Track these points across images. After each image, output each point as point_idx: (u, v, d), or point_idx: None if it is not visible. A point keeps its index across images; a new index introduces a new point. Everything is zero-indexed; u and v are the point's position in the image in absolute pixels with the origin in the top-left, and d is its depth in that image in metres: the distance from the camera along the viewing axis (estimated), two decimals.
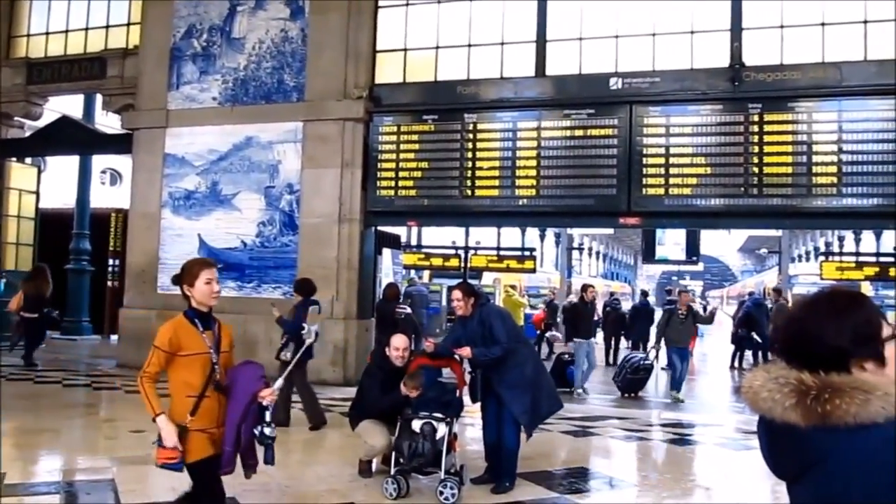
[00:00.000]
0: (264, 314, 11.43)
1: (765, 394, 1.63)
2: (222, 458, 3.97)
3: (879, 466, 1.50)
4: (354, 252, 12.35)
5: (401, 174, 12.23)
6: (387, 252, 17.47)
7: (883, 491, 1.50)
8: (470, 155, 11.90)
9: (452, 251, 21.00)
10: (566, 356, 13.17)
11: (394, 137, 12.32)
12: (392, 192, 12.28)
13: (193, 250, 12.94)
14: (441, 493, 5.86)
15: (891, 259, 20.68)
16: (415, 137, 12.23)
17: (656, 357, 13.23)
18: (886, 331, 1.67)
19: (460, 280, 9.95)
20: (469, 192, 11.90)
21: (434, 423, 6.03)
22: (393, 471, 6.04)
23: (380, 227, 13.16)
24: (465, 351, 6.25)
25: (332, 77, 12.45)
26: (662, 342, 12.58)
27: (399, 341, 6.56)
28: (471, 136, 11.93)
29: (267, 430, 4.04)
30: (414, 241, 23.79)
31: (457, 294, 6.43)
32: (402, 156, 12.23)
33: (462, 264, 18.97)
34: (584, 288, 14.02)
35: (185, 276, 4.06)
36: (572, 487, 6.60)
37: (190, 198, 13.22)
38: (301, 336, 8.09)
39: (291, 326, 8.56)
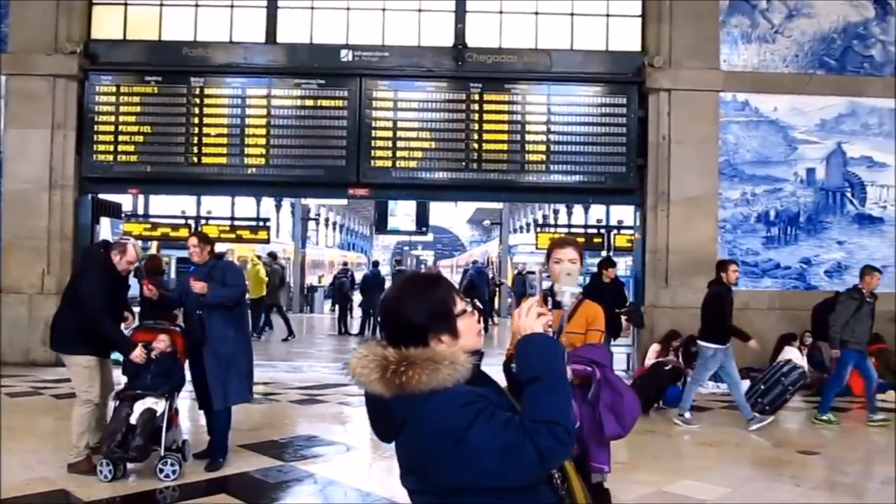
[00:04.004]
0: None
1: (359, 369, 1.86)
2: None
3: (441, 425, 1.76)
4: (68, 221, 11.43)
5: (121, 138, 11.45)
6: (105, 221, 16.28)
7: (442, 448, 1.76)
8: (196, 121, 11.44)
9: (182, 220, 20.16)
10: None
11: (113, 98, 11.49)
12: (111, 158, 11.47)
13: None
14: (161, 470, 5.67)
15: (595, 231, 22.94)
16: (136, 99, 11.50)
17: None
18: (460, 307, 1.94)
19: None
20: (195, 159, 11.45)
21: (153, 406, 5.80)
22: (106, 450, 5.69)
23: (98, 195, 12.24)
24: (200, 285, 6.06)
25: (40, 28, 11.30)
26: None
27: (132, 255, 6.15)
28: (198, 100, 11.46)
29: None
30: (141, 210, 22.41)
31: (193, 241, 6.45)
32: (122, 118, 11.45)
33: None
34: (603, 264, 10.16)
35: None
36: (299, 455, 6.71)
37: None
38: None
39: None
